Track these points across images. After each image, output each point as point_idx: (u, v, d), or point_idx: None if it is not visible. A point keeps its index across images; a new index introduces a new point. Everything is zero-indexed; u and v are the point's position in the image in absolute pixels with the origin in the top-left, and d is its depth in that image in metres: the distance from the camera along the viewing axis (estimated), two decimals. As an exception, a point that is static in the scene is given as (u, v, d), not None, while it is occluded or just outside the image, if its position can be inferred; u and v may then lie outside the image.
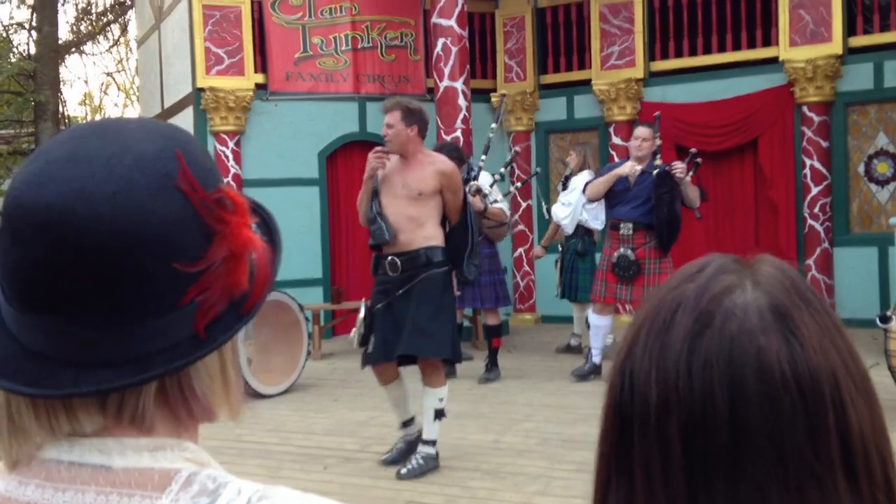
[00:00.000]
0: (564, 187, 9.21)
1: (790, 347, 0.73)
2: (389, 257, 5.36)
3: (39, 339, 0.81)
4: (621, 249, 7.56)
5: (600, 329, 7.86)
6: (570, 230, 8.96)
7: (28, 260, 0.79)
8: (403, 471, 5.40)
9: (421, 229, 5.39)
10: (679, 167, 7.39)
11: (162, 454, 0.83)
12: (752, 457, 0.72)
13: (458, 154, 7.71)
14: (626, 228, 7.57)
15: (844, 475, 0.73)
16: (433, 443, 5.51)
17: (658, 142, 7.63)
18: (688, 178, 7.44)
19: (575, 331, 9.47)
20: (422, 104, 5.60)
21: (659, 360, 0.76)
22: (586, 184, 8.01)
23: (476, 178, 7.77)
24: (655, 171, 7.40)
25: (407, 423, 5.76)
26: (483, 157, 8.28)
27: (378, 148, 5.45)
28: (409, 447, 5.68)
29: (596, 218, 8.67)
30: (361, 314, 5.44)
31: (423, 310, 5.31)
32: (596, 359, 7.93)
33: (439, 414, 5.49)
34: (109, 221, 0.78)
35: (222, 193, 0.84)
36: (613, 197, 7.66)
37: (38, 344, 0.81)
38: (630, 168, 7.52)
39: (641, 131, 7.73)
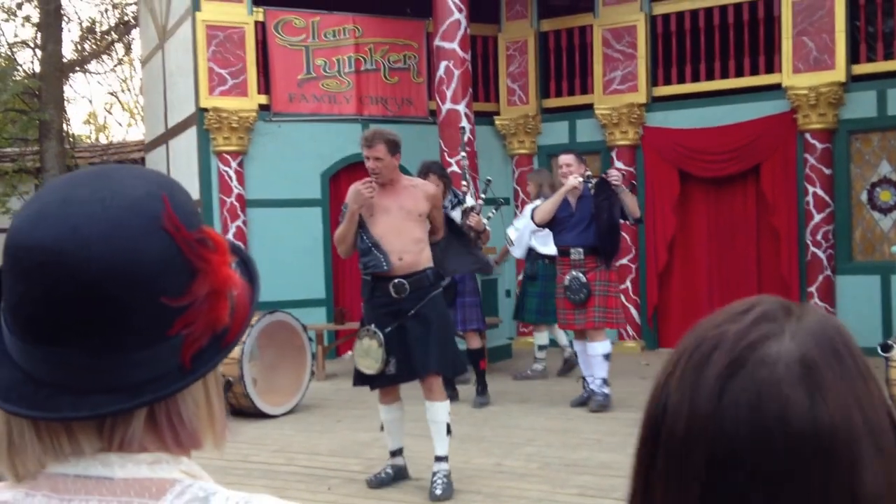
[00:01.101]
0: None
1: (813, 402, 0.75)
2: (396, 280, 5.38)
3: (41, 367, 0.87)
4: (573, 272, 7.56)
5: (586, 354, 7.80)
6: (517, 254, 9.16)
7: (29, 296, 0.85)
8: (438, 491, 5.34)
9: (424, 251, 5.50)
10: (615, 174, 7.47)
11: (159, 466, 0.89)
12: (765, 500, 0.74)
13: (445, 172, 7.89)
14: (576, 253, 7.57)
15: None
16: (446, 458, 5.51)
17: (587, 171, 7.74)
18: (625, 187, 7.47)
19: (537, 355, 9.49)
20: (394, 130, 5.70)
21: (692, 395, 0.79)
22: (534, 209, 8.04)
23: (463, 202, 7.91)
24: (594, 181, 7.50)
25: (396, 453, 5.76)
26: (463, 182, 8.35)
27: (367, 179, 5.43)
28: (397, 474, 5.70)
29: (545, 243, 8.74)
30: (375, 342, 5.35)
31: (440, 329, 5.41)
32: (593, 386, 7.83)
33: (449, 427, 5.51)
34: (102, 260, 0.83)
35: (204, 234, 0.90)
36: (557, 224, 7.67)
37: (39, 371, 0.87)
38: (574, 180, 7.53)
39: (565, 158, 7.80)
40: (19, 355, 0.88)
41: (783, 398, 0.75)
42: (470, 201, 8.06)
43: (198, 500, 0.87)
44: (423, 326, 5.38)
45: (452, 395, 8.18)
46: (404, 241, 5.41)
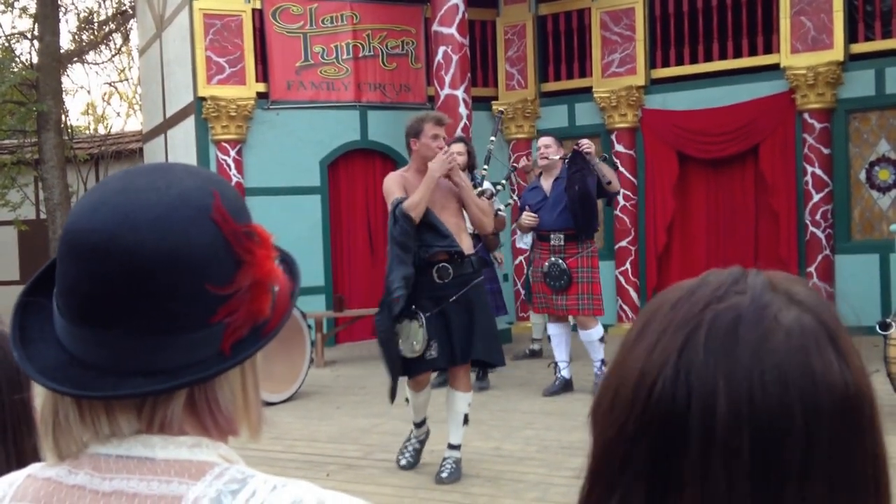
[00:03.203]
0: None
1: (843, 368, 0.75)
2: (440, 264, 5.33)
3: (87, 348, 0.91)
4: (552, 258, 7.47)
5: (560, 338, 7.75)
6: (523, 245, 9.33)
7: (81, 278, 0.89)
8: (444, 474, 5.43)
9: (466, 237, 5.50)
10: (586, 142, 7.34)
11: (199, 450, 0.93)
12: (820, 468, 0.74)
13: (471, 146, 7.86)
14: (556, 239, 7.48)
15: (874, 495, 0.76)
16: (459, 447, 5.58)
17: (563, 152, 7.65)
18: (598, 159, 7.34)
19: (534, 336, 9.67)
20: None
21: (727, 372, 0.75)
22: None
23: (480, 185, 7.85)
24: (569, 156, 7.40)
25: (420, 424, 5.80)
26: (485, 167, 8.30)
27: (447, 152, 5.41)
28: (422, 446, 5.78)
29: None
30: (416, 324, 5.28)
31: (484, 316, 5.41)
32: (564, 373, 7.76)
33: (467, 418, 5.57)
34: (151, 245, 0.88)
35: (251, 228, 0.95)
36: (535, 211, 7.58)
37: (85, 354, 0.91)
38: (529, 219, 7.50)
39: (544, 140, 7.76)
40: (68, 339, 0.92)
41: (823, 365, 0.75)
42: (487, 185, 8.06)
43: (236, 482, 0.90)
44: (465, 314, 5.34)
45: (484, 386, 8.11)
46: (449, 228, 5.37)
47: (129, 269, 0.87)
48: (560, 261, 7.45)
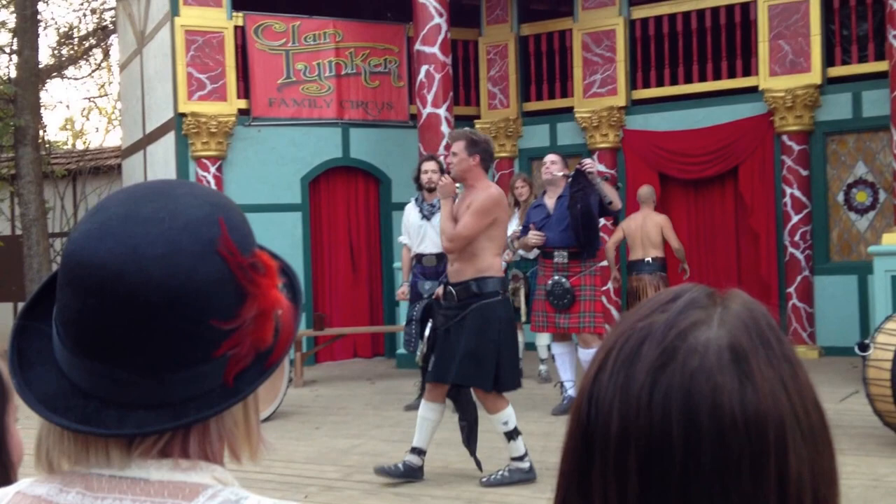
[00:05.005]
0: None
1: (743, 389, 0.75)
2: (448, 286, 5.61)
3: (88, 378, 0.89)
4: (555, 276, 7.48)
5: (564, 357, 7.74)
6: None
7: (84, 311, 0.87)
8: (485, 479, 5.56)
9: (474, 260, 5.53)
10: (588, 162, 7.44)
11: (193, 472, 0.91)
12: (701, 491, 0.74)
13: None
14: (560, 256, 7.49)
15: None
16: (521, 458, 5.66)
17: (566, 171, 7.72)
18: (599, 179, 7.41)
19: (541, 356, 9.62)
20: (488, 137, 5.92)
21: (622, 389, 0.77)
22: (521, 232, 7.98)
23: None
24: (571, 175, 7.46)
25: (414, 451, 5.79)
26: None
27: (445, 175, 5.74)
28: (407, 472, 5.73)
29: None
30: (427, 332, 5.74)
31: (471, 340, 5.47)
32: (571, 392, 7.74)
33: (511, 435, 5.63)
34: (157, 281, 0.86)
35: (256, 258, 0.93)
36: (538, 229, 7.59)
37: (86, 383, 0.89)
38: (535, 238, 7.52)
39: (549, 157, 7.84)
40: (68, 366, 0.90)
41: (714, 386, 0.75)
42: None
43: None
44: (458, 336, 5.50)
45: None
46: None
47: (134, 306, 0.86)
48: (563, 279, 7.45)
